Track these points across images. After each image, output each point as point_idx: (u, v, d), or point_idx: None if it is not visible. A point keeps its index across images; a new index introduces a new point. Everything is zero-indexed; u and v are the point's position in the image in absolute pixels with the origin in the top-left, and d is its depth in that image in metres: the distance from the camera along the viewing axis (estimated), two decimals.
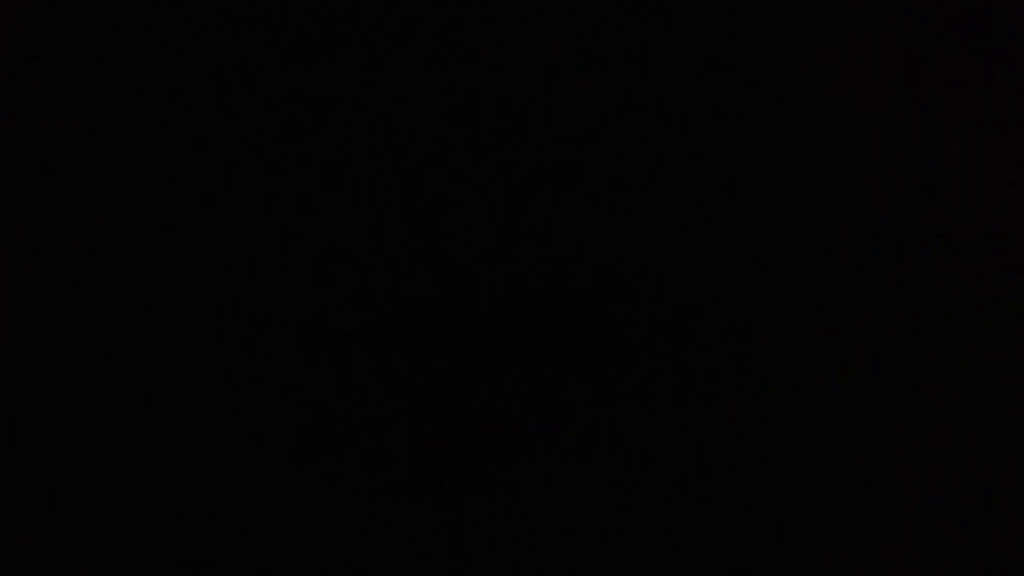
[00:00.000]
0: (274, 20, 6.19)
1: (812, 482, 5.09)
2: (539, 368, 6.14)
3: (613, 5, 6.05)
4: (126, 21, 6.13)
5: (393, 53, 6.25)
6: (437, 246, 6.35)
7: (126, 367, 5.96)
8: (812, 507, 4.94)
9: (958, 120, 5.61)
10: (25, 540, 5.20)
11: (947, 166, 5.63)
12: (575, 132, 6.21)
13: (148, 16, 6.13)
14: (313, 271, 6.32)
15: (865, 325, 5.65)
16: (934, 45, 5.60)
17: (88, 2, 6.10)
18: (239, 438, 5.78)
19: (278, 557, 5.23)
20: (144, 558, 5.22)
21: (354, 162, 6.38)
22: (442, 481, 5.42)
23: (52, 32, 6.10)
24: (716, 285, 6.03)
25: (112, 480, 5.49)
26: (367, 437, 5.83)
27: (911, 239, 5.67)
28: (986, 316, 5.44)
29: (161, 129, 6.22)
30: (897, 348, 5.55)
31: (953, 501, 4.86)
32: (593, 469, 5.40)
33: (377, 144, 6.36)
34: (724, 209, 6.02)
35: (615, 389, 5.92)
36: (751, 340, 5.84)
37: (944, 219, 5.62)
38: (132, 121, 6.20)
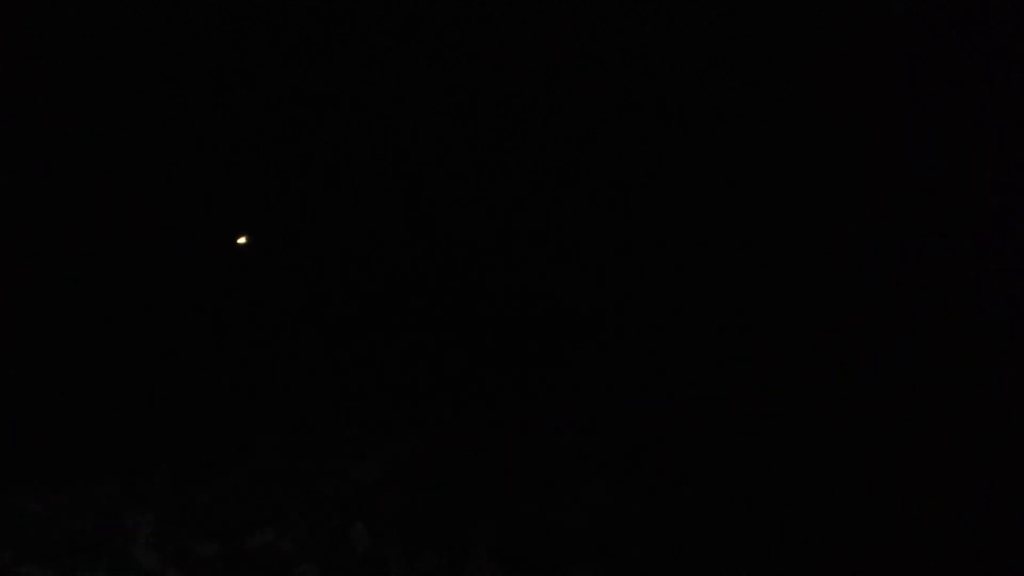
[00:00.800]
0: (274, 20, 6.19)
1: (812, 482, 5.10)
2: (538, 366, 6.15)
3: (613, 5, 6.06)
4: (126, 21, 6.13)
5: (393, 53, 6.26)
6: (436, 244, 6.35)
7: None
8: (812, 507, 4.95)
9: (958, 120, 5.61)
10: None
11: (947, 166, 5.63)
12: (575, 132, 6.21)
13: (148, 16, 6.13)
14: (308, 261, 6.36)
15: (865, 325, 5.66)
16: (934, 45, 5.61)
17: (88, 2, 6.10)
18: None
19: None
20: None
21: (352, 160, 6.38)
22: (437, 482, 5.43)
23: (52, 32, 6.11)
24: (716, 285, 6.03)
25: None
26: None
27: (911, 239, 5.67)
28: (986, 316, 5.45)
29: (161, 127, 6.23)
30: (897, 348, 5.55)
31: (953, 501, 4.86)
32: (593, 469, 5.41)
33: (376, 142, 6.37)
34: (724, 209, 6.02)
35: (614, 389, 5.93)
36: (751, 340, 5.85)
37: (944, 219, 5.63)
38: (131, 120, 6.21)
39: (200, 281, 6.21)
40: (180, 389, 6.05)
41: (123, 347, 6.13)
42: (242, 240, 5.41)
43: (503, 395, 5.95)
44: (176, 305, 6.21)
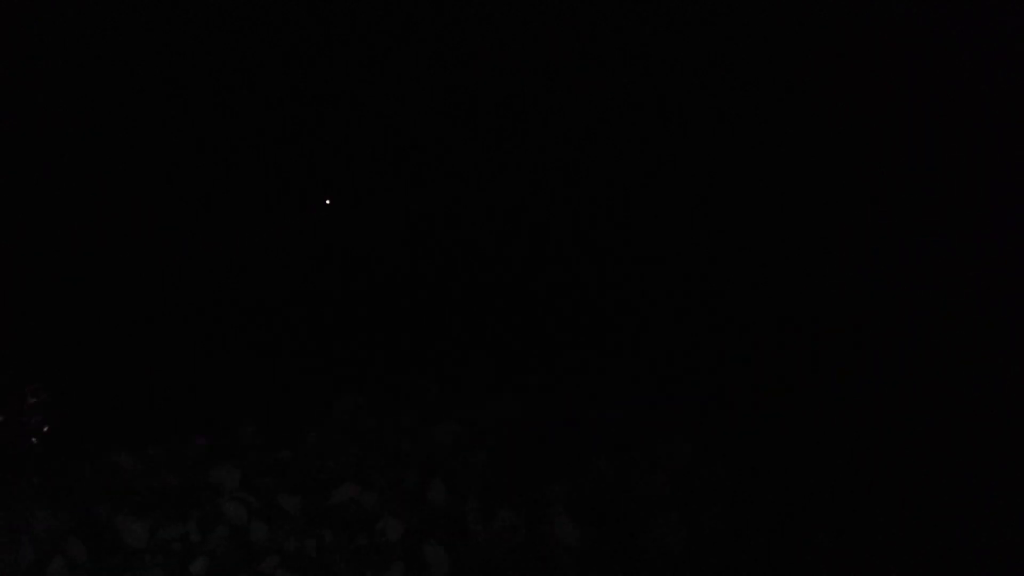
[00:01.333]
0: (274, 20, 6.19)
1: (812, 482, 5.10)
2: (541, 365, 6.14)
3: (613, 5, 6.05)
4: (126, 21, 6.13)
5: (393, 53, 6.25)
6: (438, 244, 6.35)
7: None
8: (812, 507, 4.95)
9: (958, 120, 5.61)
10: None
11: (947, 166, 5.63)
12: (575, 132, 6.21)
13: (148, 16, 6.13)
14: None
15: (865, 325, 5.65)
16: (934, 45, 5.61)
17: (88, 2, 6.10)
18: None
19: None
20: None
21: (353, 160, 6.38)
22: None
23: (52, 32, 6.10)
24: (717, 284, 6.02)
25: None
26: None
27: (911, 239, 5.67)
28: (986, 316, 5.44)
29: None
30: (897, 348, 5.55)
31: (953, 501, 4.86)
32: (672, 429, 5.41)
33: (377, 142, 6.36)
34: (724, 209, 6.02)
35: (615, 389, 5.92)
36: (751, 339, 5.84)
37: (944, 219, 5.63)
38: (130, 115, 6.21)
39: (286, 250, 6.42)
40: (267, 351, 6.32)
41: (213, 312, 6.39)
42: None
43: (581, 357, 6.08)
44: (264, 273, 6.40)
